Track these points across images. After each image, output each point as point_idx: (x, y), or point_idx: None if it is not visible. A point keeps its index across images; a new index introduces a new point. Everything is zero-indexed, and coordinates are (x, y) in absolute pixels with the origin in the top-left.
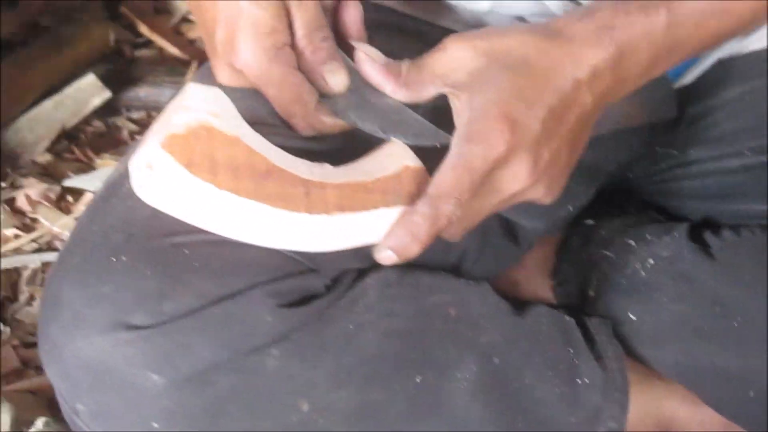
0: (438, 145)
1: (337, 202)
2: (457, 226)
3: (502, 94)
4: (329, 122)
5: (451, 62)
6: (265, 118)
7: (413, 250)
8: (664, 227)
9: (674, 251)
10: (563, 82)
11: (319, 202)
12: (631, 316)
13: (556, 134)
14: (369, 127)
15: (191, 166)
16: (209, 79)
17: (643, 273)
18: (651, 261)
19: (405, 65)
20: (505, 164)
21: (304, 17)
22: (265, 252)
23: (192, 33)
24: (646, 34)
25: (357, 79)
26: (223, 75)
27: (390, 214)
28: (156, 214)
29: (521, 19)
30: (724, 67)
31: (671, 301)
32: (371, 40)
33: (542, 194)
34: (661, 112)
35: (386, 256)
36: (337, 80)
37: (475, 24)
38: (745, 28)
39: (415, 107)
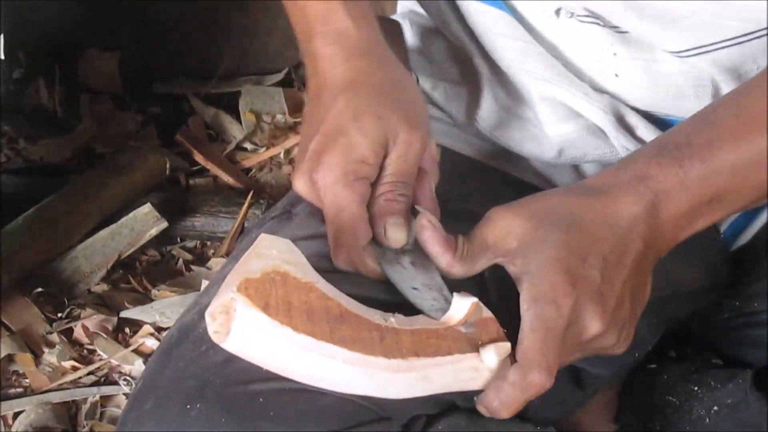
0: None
1: (412, 348)
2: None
3: (556, 251)
4: (370, 266)
5: (500, 231)
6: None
7: (502, 414)
8: (727, 373)
9: (739, 398)
10: (609, 232)
11: (394, 346)
12: None
13: (616, 280)
14: (400, 287)
15: (268, 310)
16: (276, 231)
17: (707, 420)
18: (715, 408)
19: (460, 239)
20: (576, 318)
21: (398, 166)
22: (338, 400)
23: (246, 162)
24: (681, 183)
25: (412, 244)
26: (299, 182)
27: (464, 360)
28: (229, 360)
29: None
30: None
31: None
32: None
33: (614, 342)
34: (720, 277)
35: (482, 410)
36: (396, 236)
37: (544, 174)
38: None
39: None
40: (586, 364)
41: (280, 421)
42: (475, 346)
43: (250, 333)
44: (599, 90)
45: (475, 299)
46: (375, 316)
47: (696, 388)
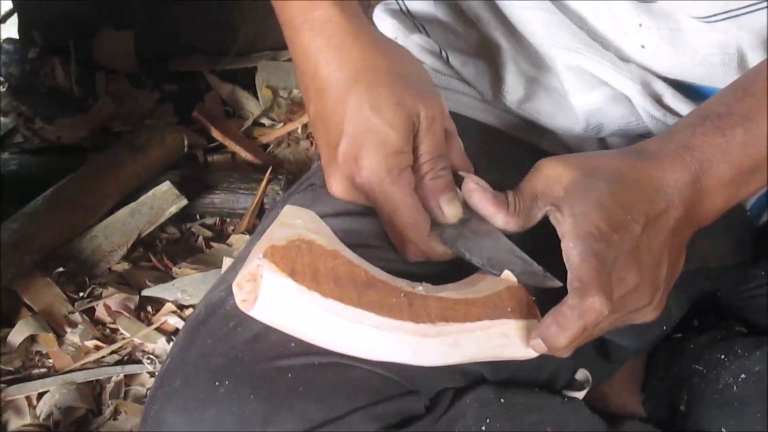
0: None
1: (440, 314)
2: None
3: (600, 200)
4: (440, 250)
5: (548, 180)
6: (365, 240)
7: (559, 340)
8: (754, 341)
9: (767, 366)
10: (654, 193)
11: (422, 312)
12: (725, 431)
13: (655, 240)
14: (477, 260)
15: (294, 275)
16: (301, 203)
17: (735, 388)
18: (743, 376)
19: (510, 194)
20: (614, 267)
21: (431, 143)
22: (367, 374)
23: (264, 137)
24: (724, 153)
25: (465, 210)
26: (338, 187)
27: (493, 326)
28: (258, 336)
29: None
30: None
31: (765, 417)
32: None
33: (647, 303)
34: (747, 252)
35: (536, 343)
36: (452, 211)
37: (572, 146)
38: None
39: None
40: (613, 335)
41: (309, 396)
42: (505, 313)
43: (278, 299)
44: (625, 60)
45: (507, 281)
46: (402, 283)
47: (723, 357)
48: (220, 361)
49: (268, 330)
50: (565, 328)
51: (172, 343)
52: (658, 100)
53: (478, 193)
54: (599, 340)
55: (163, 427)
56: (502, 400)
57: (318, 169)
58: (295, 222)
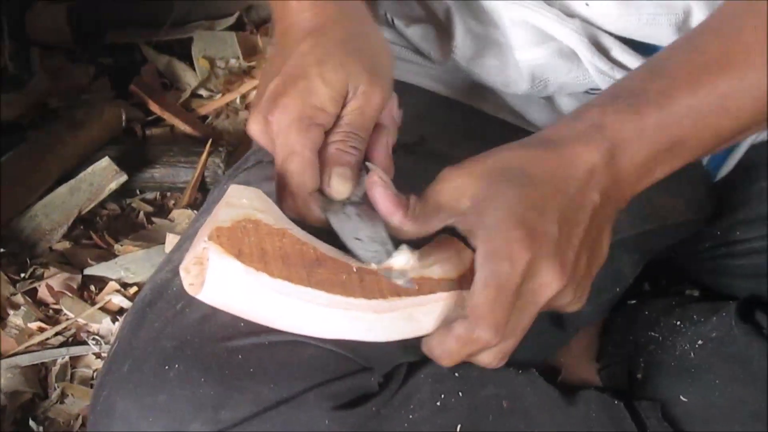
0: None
1: (392, 288)
2: (496, 353)
3: (511, 207)
4: (315, 214)
5: (454, 191)
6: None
7: (443, 363)
8: (710, 307)
9: (724, 332)
10: (564, 184)
11: (374, 287)
12: (683, 398)
13: (574, 235)
14: (342, 237)
15: (241, 257)
16: (249, 182)
17: (692, 354)
18: (700, 342)
19: (413, 199)
20: (533, 275)
21: (354, 117)
22: (320, 352)
23: (203, 109)
24: (639, 131)
25: (361, 197)
26: (254, 127)
27: (447, 299)
28: (207, 317)
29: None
30: (758, 151)
31: (725, 384)
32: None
33: (570, 299)
34: (705, 209)
35: (425, 350)
36: (339, 188)
37: (519, 109)
38: (748, 129)
39: None
40: None
41: (261, 376)
42: (458, 285)
43: (225, 282)
44: (571, 16)
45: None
46: (351, 260)
47: (678, 323)
48: (169, 344)
49: (216, 310)
50: (449, 354)
51: (118, 325)
52: (606, 54)
53: (380, 187)
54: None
55: (113, 414)
56: (456, 374)
57: None
58: (241, 201)
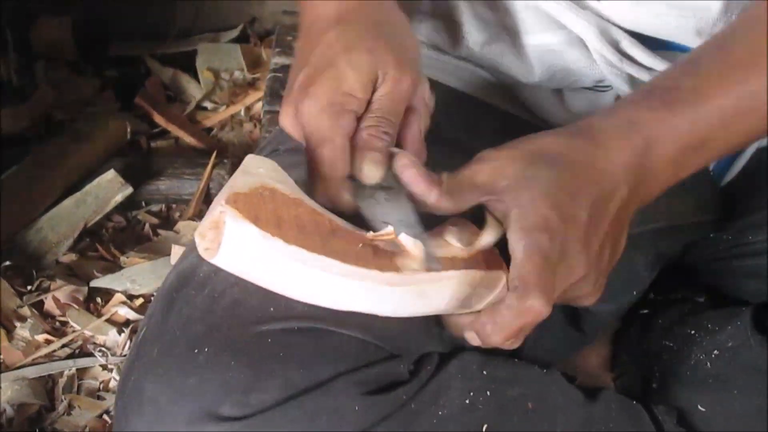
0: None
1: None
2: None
3: (546, 188)
4: (346, 199)
5: (491, 171)
6: None
7: (492, 340)
8: (724, 314)
9: (740, 341)
10: (599, 175)
11: (387, 260)
12: (701, 408)
13: (601, 225)
14: (372, 222)
15: (258, 222)
16: None
17: (708, 364)
18: (716, 352)
19: (444, 176)
20: (563, 256)
21: (385, 103)
22: (348, 339)
23: (207, 121)
24: (671, 129)
25: (392, 182)
26: (286, 118)
27: (459, 277)
28: (236, 302)
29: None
30: (765, 155)
31: (743, 393)
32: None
33: (588, 290)
34: (713, 211)
35: (471, 336)
36: (371, 173)
37: (529, 104)
38: None
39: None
40: None
41: (290, 361)
42: (472, 264)
43: (241, 246)
44: (583, 7)
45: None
46: (367, 233)
47: (693, 332)
48: (199, 328)
49: (247, 296)
50: (502, 328)
51: (124, 337)
52: (615, 46)
53: (411, 169)
54: (569, 307)
55: (142, 397)
56: (485, 372)
57: (279, 132)
58: (258, 171)
